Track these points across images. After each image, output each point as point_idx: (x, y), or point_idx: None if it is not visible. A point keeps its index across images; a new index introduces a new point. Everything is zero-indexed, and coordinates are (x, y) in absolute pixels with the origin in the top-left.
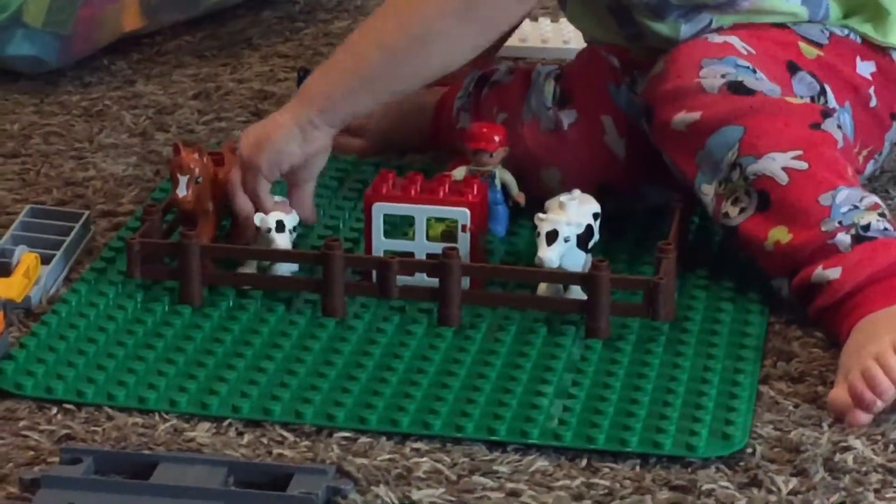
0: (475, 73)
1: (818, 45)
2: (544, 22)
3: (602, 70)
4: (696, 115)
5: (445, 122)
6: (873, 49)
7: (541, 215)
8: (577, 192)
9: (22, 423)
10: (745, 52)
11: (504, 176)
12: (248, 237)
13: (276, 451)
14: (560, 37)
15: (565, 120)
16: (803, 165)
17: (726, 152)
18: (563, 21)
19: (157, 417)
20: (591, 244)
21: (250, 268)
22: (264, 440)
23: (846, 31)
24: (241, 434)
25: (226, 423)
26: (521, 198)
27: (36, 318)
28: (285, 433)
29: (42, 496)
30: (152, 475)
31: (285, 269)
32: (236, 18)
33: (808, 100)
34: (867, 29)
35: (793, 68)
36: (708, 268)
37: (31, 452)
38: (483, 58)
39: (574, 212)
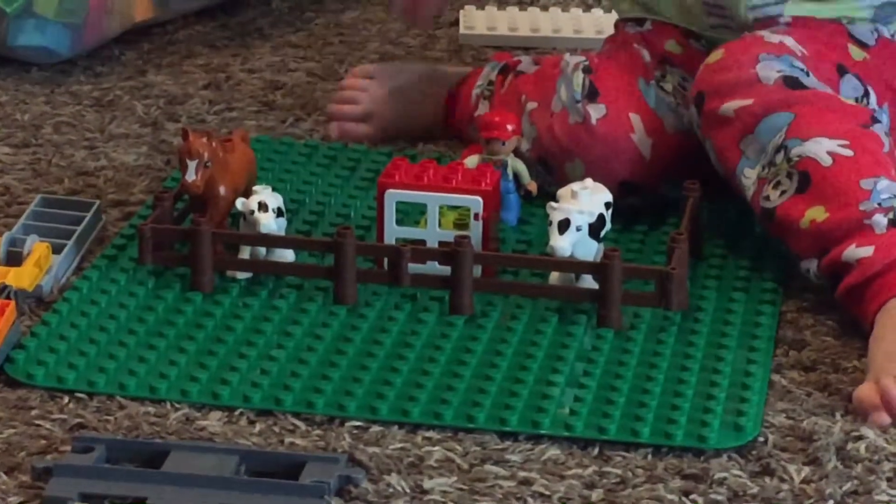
0: (495, 63)
1: (866, 46)
2: (576, 12)
3: (633, 64)
4: (749, 101)
5: (459, 110)
6: None
7: (553, 204)
8: (589, 181)
9: (34, 412)
10: (799, 54)
11: (516, 165)
12: None
13: (287, 439)
14: (593, 27)
15: (594, 114)
16: (849, 153)
17: (773, 136)
18: (596, 11)
19: (168, 406)
20: (603, 233)
21: (244, 253)
22: (276, 429)
23: (892, 32)
24: (252, 423)
25: (237, 412)
26: (532, 186)
27: (47, 308)
28: (297, 422)
29: (54, 484)
30: (164, 464)
31: (284, 254)
32: (247, 8)
33: (853, 101)
34: None
35: (841, 70)
36: (720, 257)
37: (44, 441)
38: None
39: (586, 201)
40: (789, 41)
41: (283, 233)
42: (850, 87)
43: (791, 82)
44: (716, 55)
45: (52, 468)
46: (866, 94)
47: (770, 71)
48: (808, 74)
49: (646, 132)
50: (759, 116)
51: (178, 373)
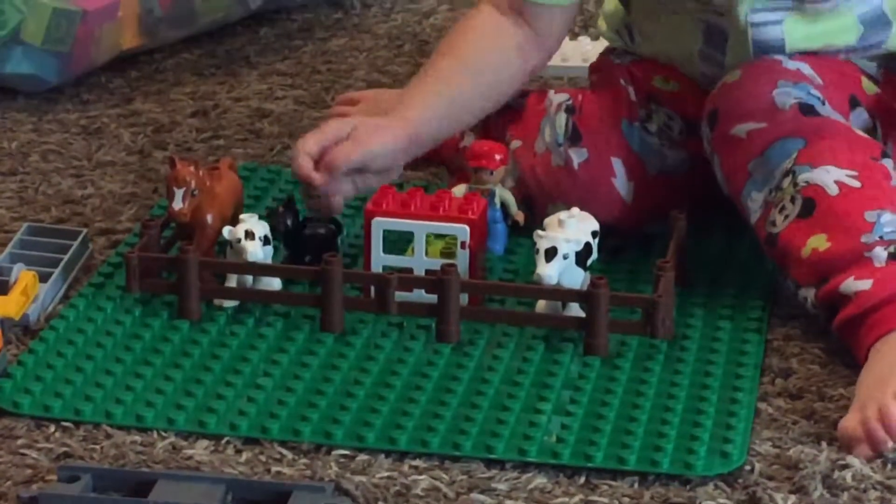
0: None
1: (876, 81)
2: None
3: (617, 104)
4: (763, 124)
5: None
6: None
7: (540, 232)
8: (575, 210)
9: (20, 441)
10: (815, 82)
11: (504, 194)
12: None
13: (274, 468)
14: (580, 55)
15: (575, 158)
16: (856, 184)
17: (783, 160)
18: (583, 39)
19: (155, 435)
20: (589, 262)
21: (231, 282)
22: (262, 458)
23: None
24: (239, 452)
25: (224, 440)
26: (520, 216)
27: (34, 336)
28: (283, 451)
29: None
30: (150, 493)
31: (271, 282)
32: (234, 36)
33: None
34: None
35: (854, 103)
36: (706, 285)
37: (29, 470)
38: None
39: (573, 229)
40: (806, 69)
41: (269, 261)
42: (859, 121)
43: (806, 109)
44: (734, 75)
45: (39, 498)
46: (874, 128)
47: (787, 97)
48: (823, 103)
49: (627, 176)
50: (770, 140)
51: (164, 401)
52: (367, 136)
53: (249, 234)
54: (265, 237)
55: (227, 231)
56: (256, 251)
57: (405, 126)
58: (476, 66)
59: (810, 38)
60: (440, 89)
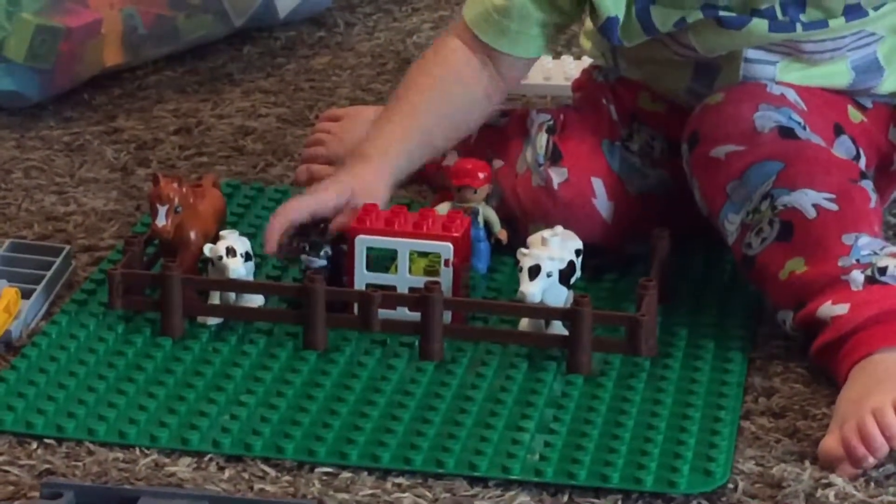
0: None
1: (864, 109)
2: (545, 59)
3: (599, 123)
4: (742, 147)
5: None
6: None
7: (523, 250)
8: (559, 229)
9: (2, 458)
10: (798, 107)
11: (487, 213)
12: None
13: (257, 486)
14: (562, 74)
15: (555, 178)
16: (834, 207)
17: (761, 183)
18: (565, 58)
19: (137, 452)
20: (573, 280)
21: (214, 299)
22: (245, 475)
23: (888, 99)
24: (222, 469)
25: (207, 457)
26: (503, 235)
27: (16, 353)
28: (266, 468)
29: None
30: None
31: (253, 299)
32: (217, 53)
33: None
34: None
35: (838, 130)
36: (689, 304)
37: (12, 487)
38: None
39: (556, 247)
40: (791, 94)
41: (251, 277)
42: (843, 149)
43: (786, 133)
44: (716, 98)
45: None
46: (858, 156)
47: (767, 121)
48: (804, 128)
49: (607, 196)
50: (749, 163)
51: (147, 418)
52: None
53: (231, 251)
54: (246, 253)
55: (208, 248)
56: (238, 268)
57: (386, 175)
58: (446, 107)
59: (802, 80)
60: (411, 126)
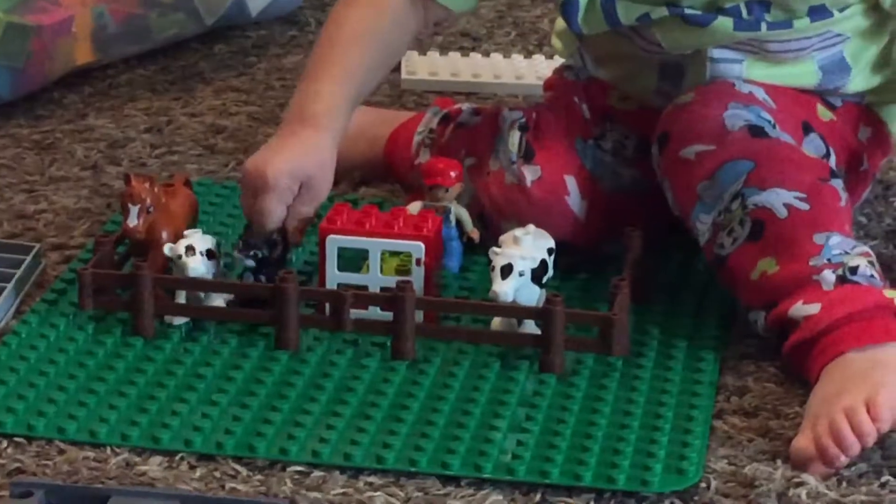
0: (436, 109)
1: (833, 108)
2: (517, 58)
3: (571, 121)
4: (711, 146)
5: (400, 155)
6: (873, 115)
7: (495, 249)
8: (531, 227)
9: None
10: (767, 105)
11: (459, 212)
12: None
13: (229, 485)
14: (534, 73)
15: (529, 176)
16: (804, 206)
17: (732, 183)
18: (537, 57)
19: (108, 451)
20: (545, 279)
21: (180, 298)
22: (217, 474)
23: (857, 98)
24: (193, 468)
25: (178, 456)
26: (475, 234)
27: None
28: (238, 467)
29: None
30: None
31: (217, 299)
32: (189, 52)
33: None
34: (882, 112)
35: (806, 129)
36: (662, 303)
37: None
38: None
39: (529, 246)
40: (760, 93)
41: (210, 275)
42: (812, 147)
43: (756, 131)
44: (686, 97)
45: None
46: (827, 154)
47: (737, 119)
48: (774, 126)
49: (581, 194)
50: (719, 162)
51: (118, 417)
52: (322, 186)
53: (190, 250)
54: (208, 251)
55: (168, 248)
56: (198, 266)
57: (332, 138)
58: (384, 56)
59: (769, 78)
60: (351, 84)
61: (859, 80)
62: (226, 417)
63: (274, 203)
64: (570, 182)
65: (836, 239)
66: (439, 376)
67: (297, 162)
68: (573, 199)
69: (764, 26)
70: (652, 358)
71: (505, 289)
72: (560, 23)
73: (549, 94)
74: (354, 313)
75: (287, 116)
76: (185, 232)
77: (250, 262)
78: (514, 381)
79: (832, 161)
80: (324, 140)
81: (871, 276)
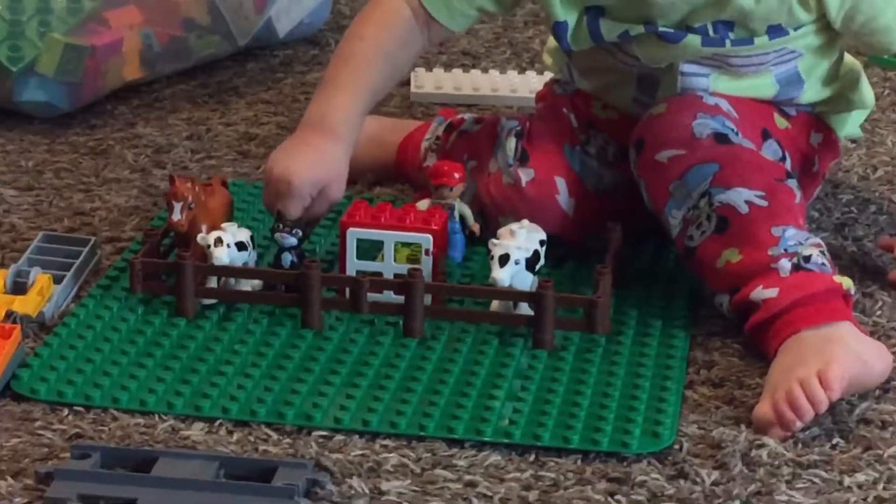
0: (441, 119)
1: (788, 117)
2: (512, 74)
3: (561, 130)
4: (682, 151)
5: (410, 159)
6: (823, 123)
7: (494, 241)
8: (526, 222)
9: (37, 424)
10: (731, 116)
11: (462, 208)
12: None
13: (261, 447)
14: (527, 87)
15: (524, 177)
16: (763, 203)
17: (700, 183)
18: (529, 73)
19: (156, 418)
20: (537, 267)
21: (210, 283)
22: (251, 438)
23: (809, 108)
24: (230, 433)
25: (217, 423)
26: (476, 228)
27: (49, 331)
28: (269, 432)
29: (55, 487)
30: (153, 469)
31: (247, 284)
32: (224, 69)
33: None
34: (831, 120)
35: (765, 135)
36: (639, 288)
37: (45, 449)
38: None
39: (523, 238)
40: (724, 104)
41: (240, 264)
42: (770, 151)
43: (721, 138)
44: (659, 108)
45: (53, 473)
46: (783, 158)
47: (704, 128)
48: (736, 134)
49: (569, 193)
50: (689, 165)
51: (164, 388)
52: (336, 192)
53: (218, 241)
54: (240, 243)
55: (200, 237)
56: (223, 256)
57: (347, 148)
58: (391, 71)
59: (732, 90)
60: (364, 95)
61: (812, 93)
62: (258, 388)
63: (294, 206)
64: (560, 183)
65: (791, 231)
66: (445, 352)
67: (317, 173)
68: (562, 197)
69: (728, 43)
70: (630, 336)
71: (502, 275)
72: (551, 42)
73: (540, 105)
74: (371, 297)
75: (306, 120)
76: (223, 225)
77: (293, 241)
78: (511, 356)
79: (788, 164)
80: (340, 150)
81: (823, 263)
